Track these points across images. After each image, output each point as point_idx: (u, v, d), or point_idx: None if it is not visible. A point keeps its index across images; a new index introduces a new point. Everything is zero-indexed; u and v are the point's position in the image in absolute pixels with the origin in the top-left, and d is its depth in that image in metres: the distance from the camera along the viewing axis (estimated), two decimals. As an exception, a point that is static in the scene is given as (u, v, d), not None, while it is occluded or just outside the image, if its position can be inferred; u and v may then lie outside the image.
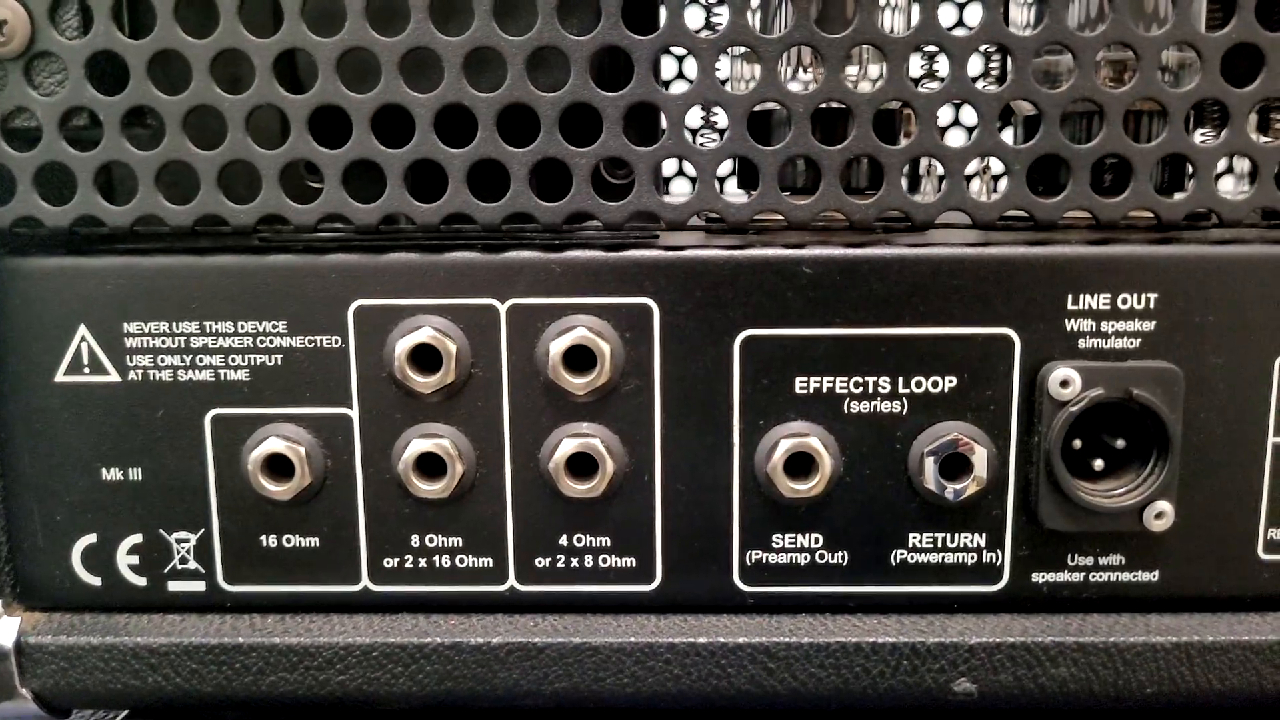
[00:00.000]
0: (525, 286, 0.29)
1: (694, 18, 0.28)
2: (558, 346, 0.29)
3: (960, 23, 0.45)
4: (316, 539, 0.31)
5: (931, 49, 0.29)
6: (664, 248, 0.29)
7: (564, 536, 0.31)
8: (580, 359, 0.29)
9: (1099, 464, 0.30)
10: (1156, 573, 0.31)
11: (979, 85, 0.28)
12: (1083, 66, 0.28)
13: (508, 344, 0.30)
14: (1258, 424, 0.30)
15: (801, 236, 0.30)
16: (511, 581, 0.31)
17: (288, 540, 0.31)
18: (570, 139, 0.29)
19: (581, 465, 0.30)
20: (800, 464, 0.30)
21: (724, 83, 0.29)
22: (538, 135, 0.29)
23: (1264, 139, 0.29)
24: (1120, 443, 0.30)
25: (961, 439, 0.30)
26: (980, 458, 0.30)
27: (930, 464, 0.30)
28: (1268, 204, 0.29)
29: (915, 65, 0.36)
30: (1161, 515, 0.30)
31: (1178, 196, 0.29)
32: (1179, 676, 0.30)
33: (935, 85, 0.29)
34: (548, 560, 0.31)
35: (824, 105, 0.29)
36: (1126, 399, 0.29)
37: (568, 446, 0.30)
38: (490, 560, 0.31)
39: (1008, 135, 0.31)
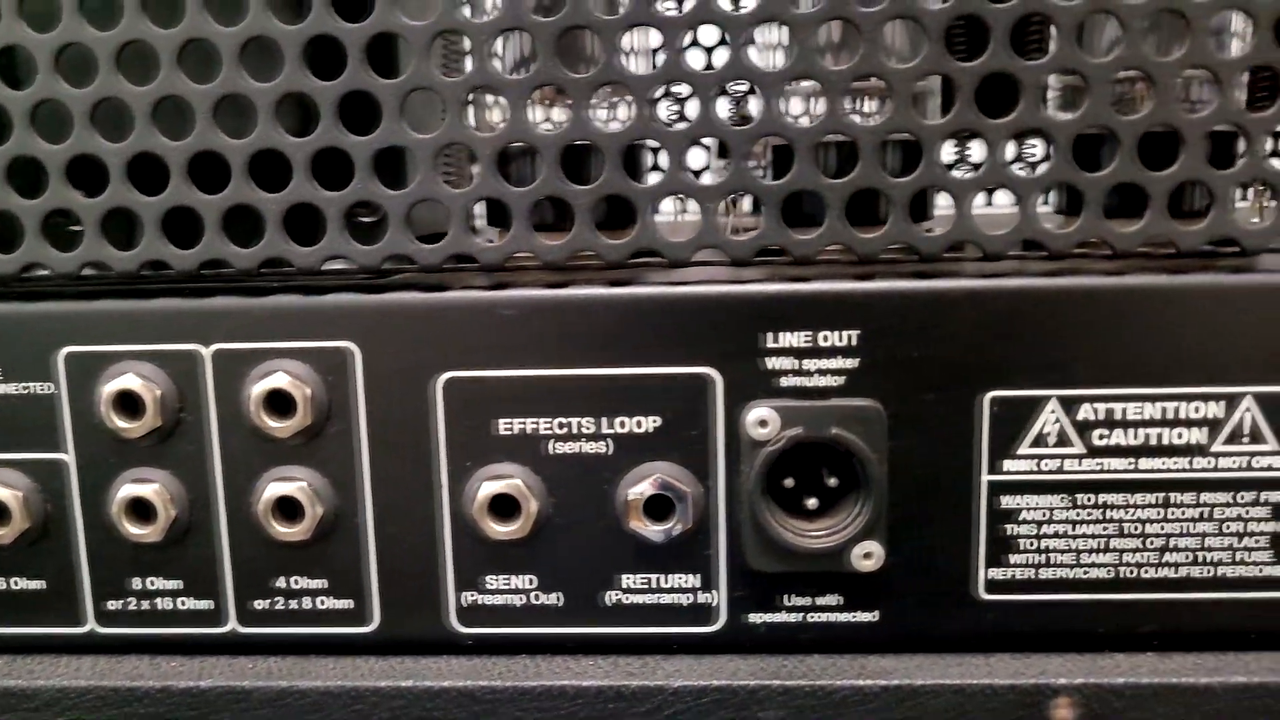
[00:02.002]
0: (228, 331, 0.30)
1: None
2: (258, 390, 0.29)
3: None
4: (42, 582, 0.31)
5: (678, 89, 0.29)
6: (364, 291, 0.30)
7: (280, 579, 0.31)
8: (283, 402, 0.29)
9: (812, 503, 0.30)
10: (876, 613, 0.30)
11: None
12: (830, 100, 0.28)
13: (215, 388, 0.30)
14: (968, 461, 0.29)
15: (562, 275, 0.30)
16: (233, 624, 0.31)
17: (14, 584, 0.31)
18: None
19: (291, 508, 0.30)
20: (505, 505, 0.30)
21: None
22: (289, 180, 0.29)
23: (961, 174, 0.29)
24: (833, 481, 0.30)
25: (666, 480, 0.29)
26: (686, 499, 0.29)
27: (636, 505, 0.29)
28: (963, 237, 0.29)
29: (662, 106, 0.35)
30: (870, 555, 0.29)
31: (874, 233, 0.29)
32: (891, 720, 0.29)
33: (682, 124, 0.29)
34: (266, 603, 0.31)
35: (573, 144, 0.29)
36: (827, 438, 0.29)
37: (275, 490, 0.30)
38: (211, 603, 0.31)
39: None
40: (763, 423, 0.29)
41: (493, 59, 0.28)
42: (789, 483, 0.30)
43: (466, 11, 0.28)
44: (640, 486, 0.29)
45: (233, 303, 0.30)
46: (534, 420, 0.30)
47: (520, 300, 0.29)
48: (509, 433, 0.30)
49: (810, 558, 0.29)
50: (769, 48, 0.32)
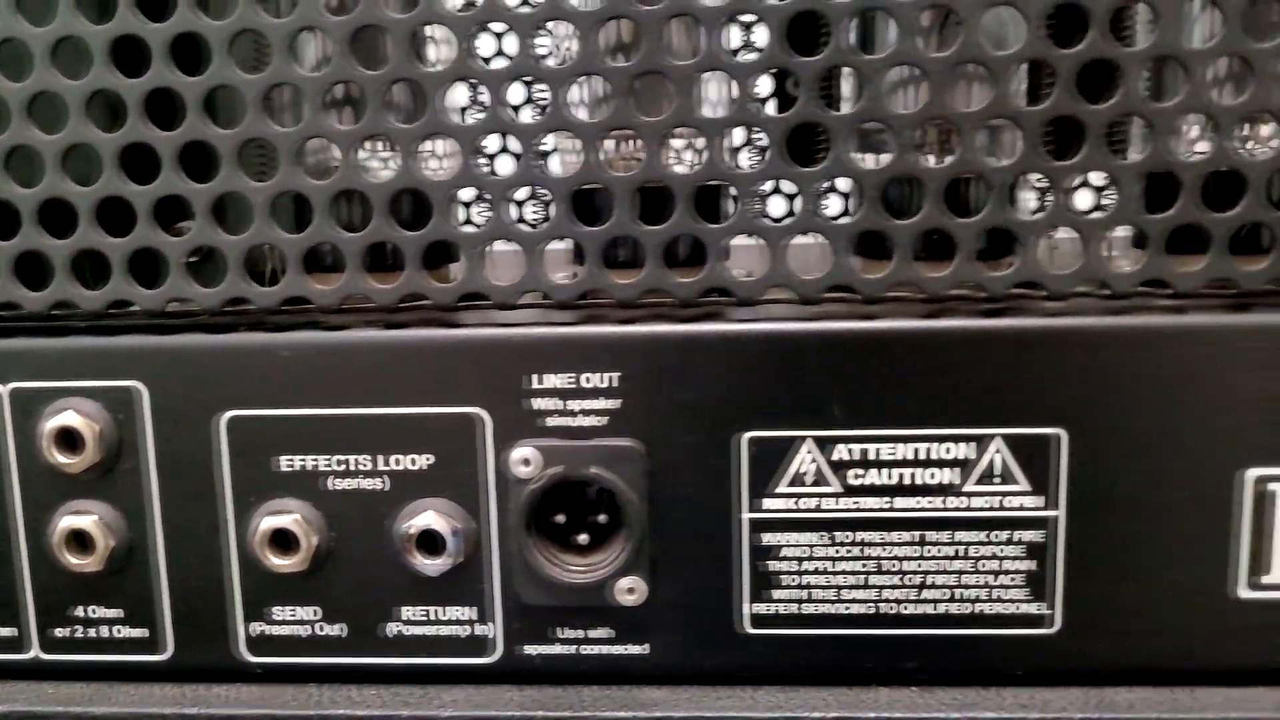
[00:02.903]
0: (24, 371, 0.31)
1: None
2: (50, 427, 0.31)
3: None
4: None
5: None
6: (151, 332, 0.31)
7: (79, 608, 0.32)
8: (74, 439, 0.31)
9: (583, 538, 0.31)
10: (646, 646, 0.31)
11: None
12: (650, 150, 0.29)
13: (13, 426, 0.31)
14: (728, 500, 0.30)
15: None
16: (35, 651, 0.32)
17: None
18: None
19: (86, 540, 0.31)
20: (287, 539, 0.31)
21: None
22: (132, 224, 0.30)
23: (711, 224, 0.30)
24: (603, 517, 0.31)
25: (439, 515, 0.30)
26: (458, 534, 0.30)
27: (411, 539, 0.30)
28: (715, 284, 0.30)
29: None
30: (633, 590, 0.30)
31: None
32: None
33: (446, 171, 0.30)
34: (66, 631, 0.32)
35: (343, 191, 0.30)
36: (586, 477, 0.30)
37: (68, 523, 0.31)
38: (14, 630, 0.32)
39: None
40: (525, 461, 0.30)
41: (324, 106, 0.29)
42: (560, 518, 0.31)
43: (296, 67, 0.29)
44: (415, 521, 0.30)
45: (28, 343, 0.31)
46: (313, 457, 0.31)
47: (299, 342, 0.30)
48: (290, 469, 0.31)
49: (575, 592, 0.30)
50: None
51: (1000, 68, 0.28)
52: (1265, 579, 0.30)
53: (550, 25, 0.29)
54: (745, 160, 0.40)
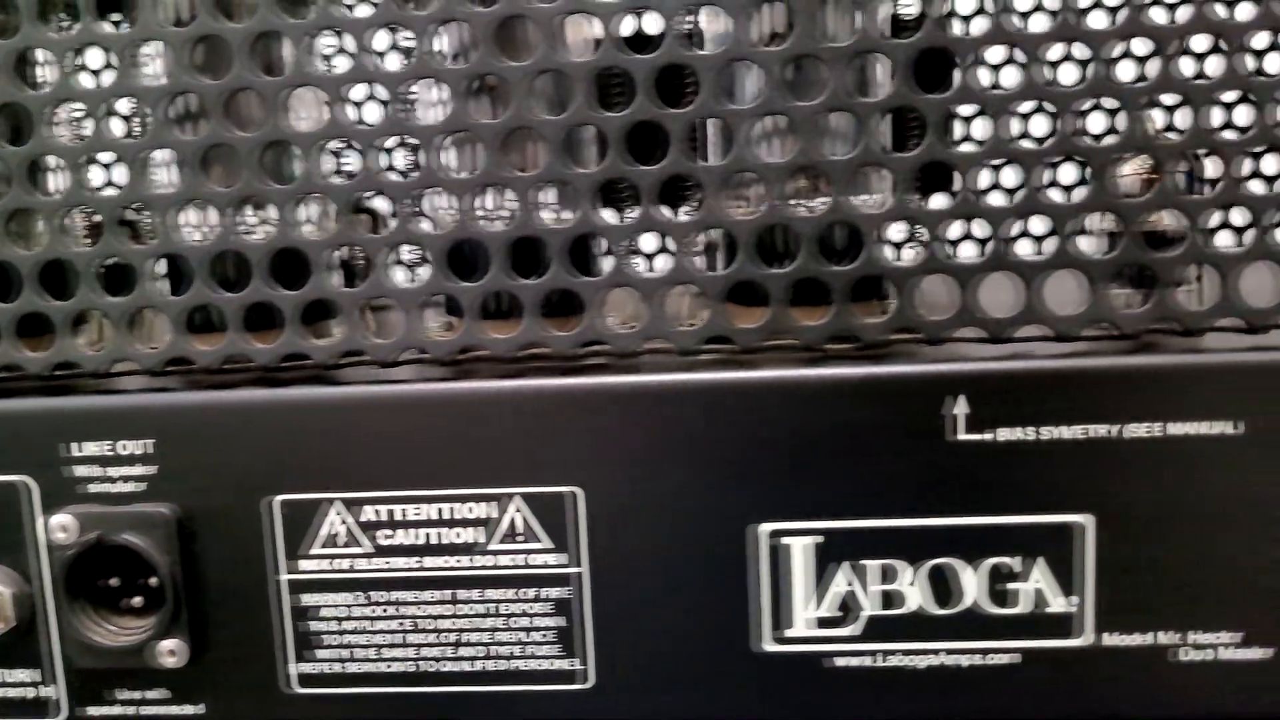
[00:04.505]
0: None
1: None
2: None
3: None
4: None
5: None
6: None
7: None
8: None
9: (137, 601, 0.31)
10: (202, 706, 0.32)
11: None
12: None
13: None
14: (265, 562, 0.31)
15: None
16: None
17: None
18: None
19: None
20: None
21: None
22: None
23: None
24: (154, 580, 0.31)
25: (-9, 581, 0.31)
26: (14, 599, 0.31)
27: (-37, 605, 0.31)
28: (353, 347, 0.31)
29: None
30: (174, 652, 0.31)
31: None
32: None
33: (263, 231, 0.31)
34: None
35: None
36: (120, 543, 0.30)
37: None
38: None
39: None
40: (63, 528, 0.31)
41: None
42: (115, 582, 0.31)
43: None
44: (-35, 586, 0.31)
45: None
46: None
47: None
48: None
49: (117, 655, 0.31)
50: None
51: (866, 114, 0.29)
52: (788, 632, 0.30)
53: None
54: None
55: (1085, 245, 0.29)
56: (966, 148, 0.30)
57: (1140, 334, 0.29)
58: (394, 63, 0.33)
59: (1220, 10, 0.28)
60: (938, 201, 0.31)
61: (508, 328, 0.30)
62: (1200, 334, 0.29)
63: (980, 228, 0.41)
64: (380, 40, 0.31)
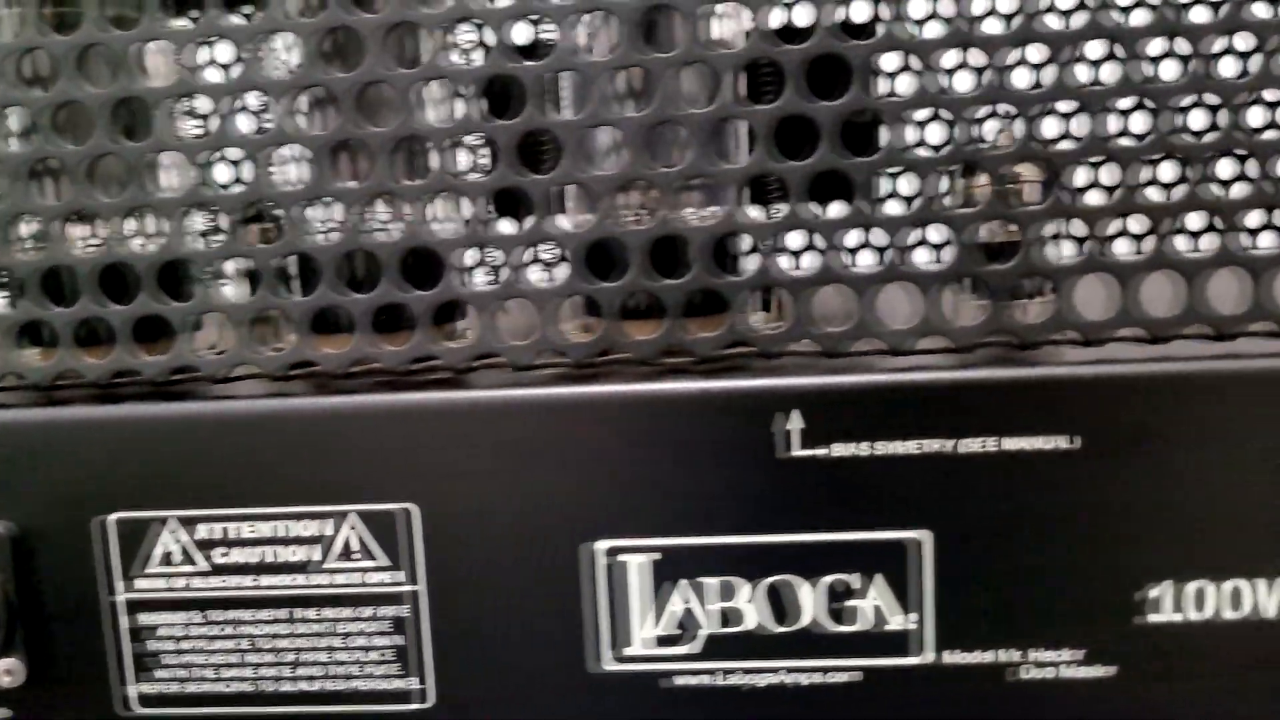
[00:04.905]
0: None
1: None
2: None
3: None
4: None
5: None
6: None
7: None
8: None
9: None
10: (57, 730, 0.31)
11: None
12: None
13: None
14: (100, 581, 0.30)
15: None
16: None
17: None
18: None
19: None
20: None
21: None
22: None
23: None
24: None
25: None
26: None
27: None
28: (185, 363, 0.30)
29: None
30: (10, 672, 0.30)
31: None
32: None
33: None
34: None
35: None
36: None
37: None
38: None
39: None
40: (-103, 547, 0.30)
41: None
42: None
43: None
44: None
45: None
46: None
47: None
48: None
49: (-47, 676, 0.31)
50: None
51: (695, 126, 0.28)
52: (627, 651, 0.30)
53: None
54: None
55: (920, 257, 0.29)
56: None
57: (974, 347, 0.29)
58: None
59: (1052, 20, 0.28)
60: (757, 214, 0.31)
61: (339, 342, 0.30)
62: (1036, 347, 0.29)
63: (800, 239, 0.40)
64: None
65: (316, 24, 0.28)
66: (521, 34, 0.34)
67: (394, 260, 0.29)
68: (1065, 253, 0.32)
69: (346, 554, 0.30)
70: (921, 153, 0.29)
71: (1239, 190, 0.35)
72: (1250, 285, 0.28)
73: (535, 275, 0.37)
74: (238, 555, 0.30)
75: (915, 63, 0.29)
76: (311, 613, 0.30)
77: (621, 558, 0.29)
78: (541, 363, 0.30)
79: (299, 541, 0.30)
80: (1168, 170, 0.37)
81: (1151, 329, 0.28)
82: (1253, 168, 0.28)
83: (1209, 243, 0.35)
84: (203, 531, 0.30)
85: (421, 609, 0.30)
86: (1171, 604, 0.29)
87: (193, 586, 0.30)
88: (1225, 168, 0.38)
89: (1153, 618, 0.29)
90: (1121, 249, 0.39)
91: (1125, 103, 0.36)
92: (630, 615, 0.30)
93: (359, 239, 0.29)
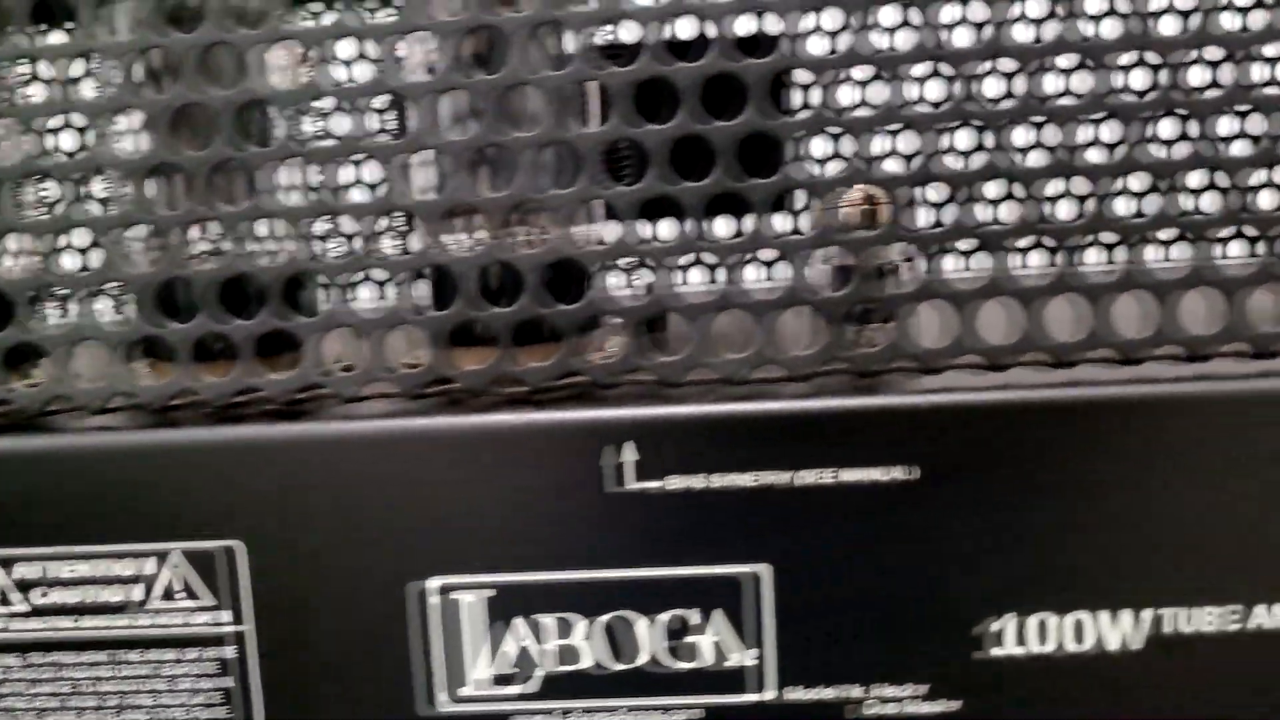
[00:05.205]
0: None
1: None
2: None
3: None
4: None
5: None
6: None
7: None
8: None
9: None
10: None
11: None
12: None
13: None
14: (-85, 624, 0.29)
15: None
16: None
17: None
18: None
19: None
20: None
21: None
22: None
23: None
24: None
25: None
26: None
27: None
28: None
29: None
30: None
31: None
32: None
33: None
34: None
35: None
36: None
37: None
38: None
39: None
40: None
41: None
42: None
43: None
44: None
45: None
46: None
47: None
48: None
49: None
50: None
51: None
52: (462, 691, 0.29)
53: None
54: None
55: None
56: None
57: (812, 376, 0.28)
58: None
59: (873, 39, 0.27)
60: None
61: (161, 373, 0.29)
62: (877, 375, 0.28)
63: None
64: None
65: (459, 23, 0.27)
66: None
67: (212, 289, 0.28)
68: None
69: (169, 594, 0.29)
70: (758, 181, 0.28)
71: (1067, 210, 0.35)
72: (1089, 311, 0.27)
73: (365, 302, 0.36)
74: (57, 596, 0.29)
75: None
76: (135, 655, 0.29)
77: (454, 595, 0.28)
78: (370, 394, 0.29)
79: (121, 581, 0.29)
80: (993, 189, 0.36)
81: (989, 356, 0.28)
82: (1081, 185, 0.28)
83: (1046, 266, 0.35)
84: (21, 571, 0.29)
85: (249, 650, 0.29)
86: (1014, 637, 0.28)
87: (12, 628, 0.29)
88: (1053, 186, 0.37)
89: (995, 651, 0.28)
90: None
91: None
92: (464, 654, 0.29)
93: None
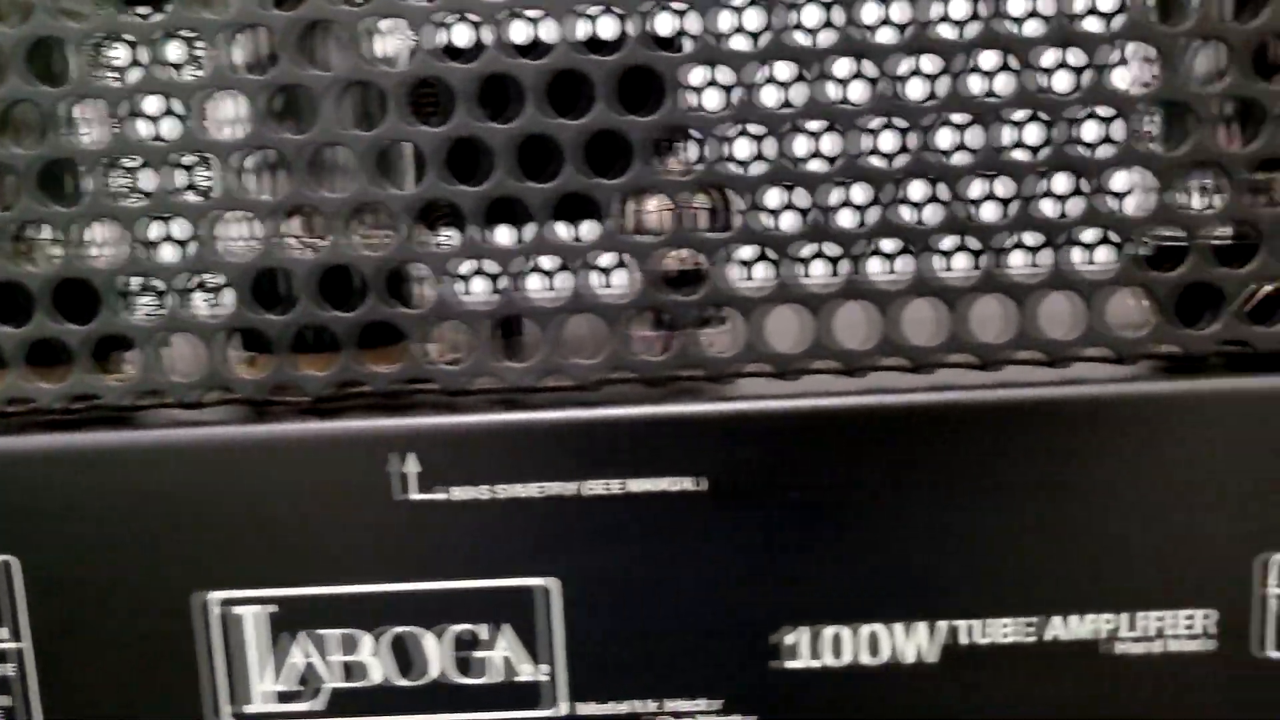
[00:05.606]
0: None
1: None
2: None
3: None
4: None
5: None
6: None
7: None
8: None
9: None
10: None
11: None
12: None
13: None
14: None
15: None
16: None
17: None
18: None
19: None
20: None
21: None
22: None
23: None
24: None
25: None
26: None
27: None
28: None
29: None
30: None
31: None
32: None
33: None
34: None
35: None
36: None
37: None
38: None
39: None
40: None
41: None
42: None
43: None
44: None
45: None
46: None
47: None
48: None
49: None
50: None
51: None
52: (246, 708, 0.28)
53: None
54: None
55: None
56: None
57: (599, 385, 0.28)
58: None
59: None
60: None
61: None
62: (664, 384, 0.28)
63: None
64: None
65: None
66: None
67: (46, 290, 0.27)
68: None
69: (-28, 610, 0.28)
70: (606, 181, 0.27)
71: (931, 214, 0.35)
72: (879, 317, 0.27)
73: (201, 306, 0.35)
74: None
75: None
76: (-87, 675, 0.28)
77: (236, 609, 0.28)
78: (212, 400, 0.28)
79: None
80: (858, 193, 0.36)
81: (776, 364, 0.27)
82: (942, 191, 0.27)
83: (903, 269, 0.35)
84: None
85: (28, 668, 0.28)
86: (808, 650, 0.28)
87: None
88: (917, 190, 0.37)
89: (789, 664, 0.28)
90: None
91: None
92: (249, 670, 0.28)
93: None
